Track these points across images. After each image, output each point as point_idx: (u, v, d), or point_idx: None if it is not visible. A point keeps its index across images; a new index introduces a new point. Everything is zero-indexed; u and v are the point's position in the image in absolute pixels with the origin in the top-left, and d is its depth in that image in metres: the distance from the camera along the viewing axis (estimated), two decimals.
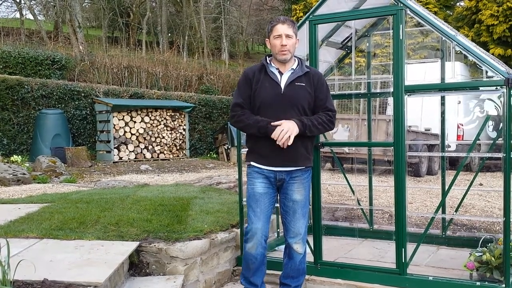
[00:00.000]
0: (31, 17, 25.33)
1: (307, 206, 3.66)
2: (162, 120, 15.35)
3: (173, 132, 15.65)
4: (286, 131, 3.34)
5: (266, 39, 3.63)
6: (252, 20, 33.66)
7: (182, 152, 15.97)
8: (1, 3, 30.50)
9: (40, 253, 3.62)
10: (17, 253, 3.51)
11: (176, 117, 15.79)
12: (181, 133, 15.90)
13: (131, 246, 3.86)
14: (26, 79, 13.52)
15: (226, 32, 28.62)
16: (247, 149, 3.66)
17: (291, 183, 3.56)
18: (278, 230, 5.10)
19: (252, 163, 3.58)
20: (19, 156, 12.30)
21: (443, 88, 4.20)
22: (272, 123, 3.38)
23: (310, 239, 4.22)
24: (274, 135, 3.36)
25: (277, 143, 3.37)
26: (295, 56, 3.59)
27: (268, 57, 3.63)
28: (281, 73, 3.54)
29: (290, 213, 3.60)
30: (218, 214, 4.91)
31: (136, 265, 3.94)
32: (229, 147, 15.83)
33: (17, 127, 13.07)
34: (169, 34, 29.04)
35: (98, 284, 2.99)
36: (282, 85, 3.50)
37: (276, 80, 3.51)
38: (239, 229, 4.55)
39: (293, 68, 3.55)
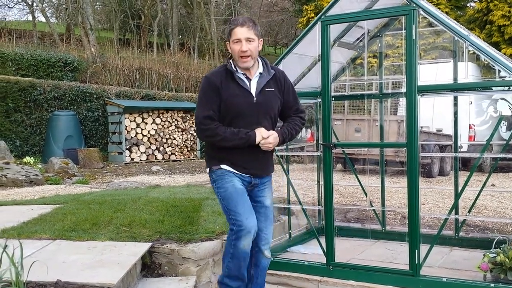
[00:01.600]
0: (44, 20, 25.55)
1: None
2: (173, 122, 15.40)
3: (184, 133, 15.70)
4: (272, 145, 3.29)
5: (227, 42, 3.34)
6: (262, 21, 33.63)
7: (193, 153, 16.01)
8: (14, 6, 30.77)
9: (53, 254, 3.65)
10: (30, 254, 3.53)
11: (187, 118, 15.83)
12: (192, 134, 15.93)
13: (143, 247, 3.87)
14: (38, 81, 13.65)
15: None
16: (209, 154, 3.43)
17: (262, 189, 3.44)
18: (290, 231, 5.08)
19: (223, 166, 3.33)
20: (32, 158, 12.37)
21: (456, 88, 4.17)
22: (262, 133, 3.23)
23: (322, 240, 4.21)
24: (263, 142, 3.25)
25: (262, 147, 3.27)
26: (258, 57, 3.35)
27: (231, 60, 3.32)
28: (248, 79, 3.29)
29: (262, 220, 3.42)
30: None
31: (148, 266, 3.95)
32: None
33: (29, 129, 13.19)
34: (180, 36, 29.13)
35: (111, 285, 2.99)
36: (254, 93, 3.27)
37: (246, 88, 3.26)
38: None
39: (260, 72, 3.31)
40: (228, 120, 3.26)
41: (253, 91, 3.28)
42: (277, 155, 4.65)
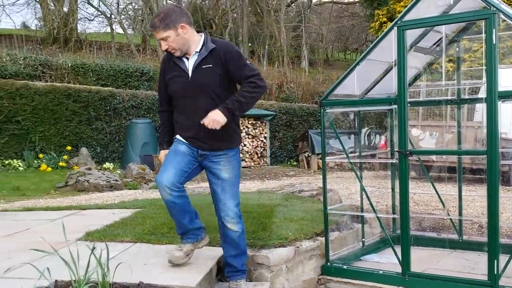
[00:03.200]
0: (121, 31, 26.74)
1: (236, 185, 3.59)
2: (243, 128, 15.60)
3: (254, 140, 15.87)
4: (218, 122, 3.28)
5: None
6: (332, 27, 33.43)
7: (263, 160, 16.14)
8: (93, 18, 32.47)
9: (134, 257, 3.80)
10: (113, 257, 3.70)
11: (257, 125, 15.99)
12: (262, 141, 16.08)
13: (219, 251, 3.95)
14: (117, 90, 14.26)
15: (306, 40, 28.64)
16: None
17: (217, 161, 3.51)
18: (364, 239, 5.03)
19: (177, 136, 3.58)
20: (111, 164, 12.99)
21: None
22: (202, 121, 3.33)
23: (398, 249, 4.14)
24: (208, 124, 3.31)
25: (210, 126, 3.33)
26: (199, 32, 3.46)
27: None
28: (187, 58, 3.42)
29: (219, 191, 3.53)
30: (302, 222, 4.93)
31: (223, 271, 4.03)
32: (310, 154, 15.79)
33: (109, 136, 13.82)
34: (250, 44, 29.51)
35: None
36: (190, 71, 3.39)
37: (183, 67, 3.40)
38: (323, 238, 4.54)
39: (197, 51, 3.39)
40: (174, 101, 3.51)
41: (190, 69, 3.39)
42: (350, 163, 4.63)
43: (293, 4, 32.17)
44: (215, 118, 3.27)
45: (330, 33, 33.29)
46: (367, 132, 14.65)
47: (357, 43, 36.11)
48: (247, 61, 3.41)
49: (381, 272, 4.23)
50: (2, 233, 4.71)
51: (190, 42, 3.38)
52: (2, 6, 26.59)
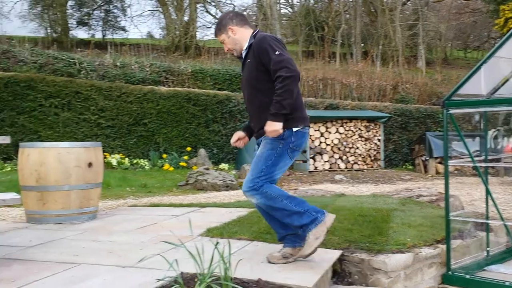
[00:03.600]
0: None
1: (263, 162, 3.57)
2: (356, 131, 15.38)
3: (367, 142, 15.57)
4: (275, 130, 3.47)
5: None
6: (452, 24, 31.76)
7: (376, 163, 15.78)
8: (211, 26, 33.82)
9: (252, 254, 3.93)
10: (232, 253, 3.83)
11: (371, 127, 15.68)
12: (375, 143, 15.73)
13: (334, 254, 3.97)
14: (233, 94, 14.79)
15: (423, 38, 27.52)
16: None
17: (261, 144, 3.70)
18: (488, 249, 4.75)
19: None
20: (226, 164, 13.49)
21: None
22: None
23: None
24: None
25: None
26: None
27: None
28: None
29: None
30: (421, 228, 4.77)
31: (338, 274, 4.03)
32: (427, 158, 15.15)
33: (224, 138, 14.35)
34: (362, 45, 29.01)
35: None
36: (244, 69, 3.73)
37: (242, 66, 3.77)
38: (444, 245, 4.36)
39: (244, 49, 3.68)
40: None
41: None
42: (475, 166, 4.39)
43: (409, 2, 31.13)
44: (270, 131, 3.49)
45: (449, 31, 31.67)
46: (494, 134, 13.69)
47: (478, 40, 34.02)
48: (276, 53, 3.44)
49: (507, 283, 3.97)
50: (135, 226, 5.15)
51: (242, 41, 3.68)
52: (130, 18, 28.64)
